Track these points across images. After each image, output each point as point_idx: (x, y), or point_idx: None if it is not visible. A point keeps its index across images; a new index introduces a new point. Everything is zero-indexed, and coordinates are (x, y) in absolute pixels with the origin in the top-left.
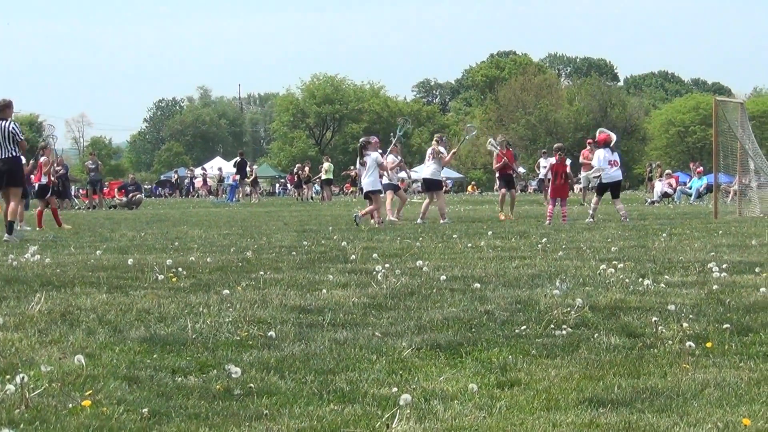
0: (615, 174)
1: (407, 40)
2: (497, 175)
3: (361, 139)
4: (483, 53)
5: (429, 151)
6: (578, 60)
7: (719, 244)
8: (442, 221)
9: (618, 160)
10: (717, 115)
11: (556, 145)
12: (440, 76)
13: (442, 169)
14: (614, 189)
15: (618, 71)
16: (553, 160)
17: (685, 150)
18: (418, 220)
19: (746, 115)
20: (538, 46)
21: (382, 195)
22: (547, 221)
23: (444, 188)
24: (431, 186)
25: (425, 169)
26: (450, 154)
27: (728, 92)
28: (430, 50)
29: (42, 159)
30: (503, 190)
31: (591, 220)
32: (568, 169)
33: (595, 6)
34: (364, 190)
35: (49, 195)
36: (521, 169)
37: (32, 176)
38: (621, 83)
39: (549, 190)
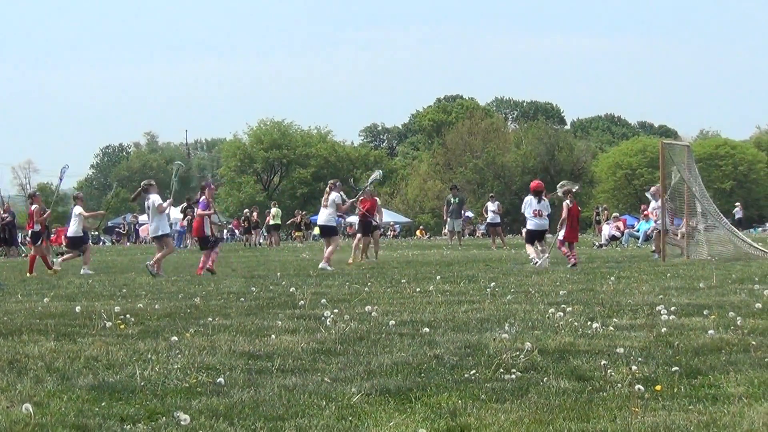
0: (541, 223)
1: (354, 85)
2: (358, 219)
3: (143, 182)
4: (430, 98)
5: (324, 197)
6: (525, 104)
7: (667, 286)
8: (322, 264)
9: (543, 211)
10: (664, 158)
11: (566, 188)
12: (387, 121)
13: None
14: (539, 236)
15: (564, 114)
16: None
17: (632, 193)
18: (327, 267)
19: (693, 158)
20: (484, 90)
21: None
22: (573, 261)
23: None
24: (326, 232)
25: (320, 216)
26: (349, 202)
27: (675, 135)
28: (377, 95)
29: (33, 207)
30: (359, 235)
31: (539, 263)
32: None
33: (541, 50)
34: (150, 235)
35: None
36: (465, 220)
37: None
38: (568, 126)
39: (562, 233)
